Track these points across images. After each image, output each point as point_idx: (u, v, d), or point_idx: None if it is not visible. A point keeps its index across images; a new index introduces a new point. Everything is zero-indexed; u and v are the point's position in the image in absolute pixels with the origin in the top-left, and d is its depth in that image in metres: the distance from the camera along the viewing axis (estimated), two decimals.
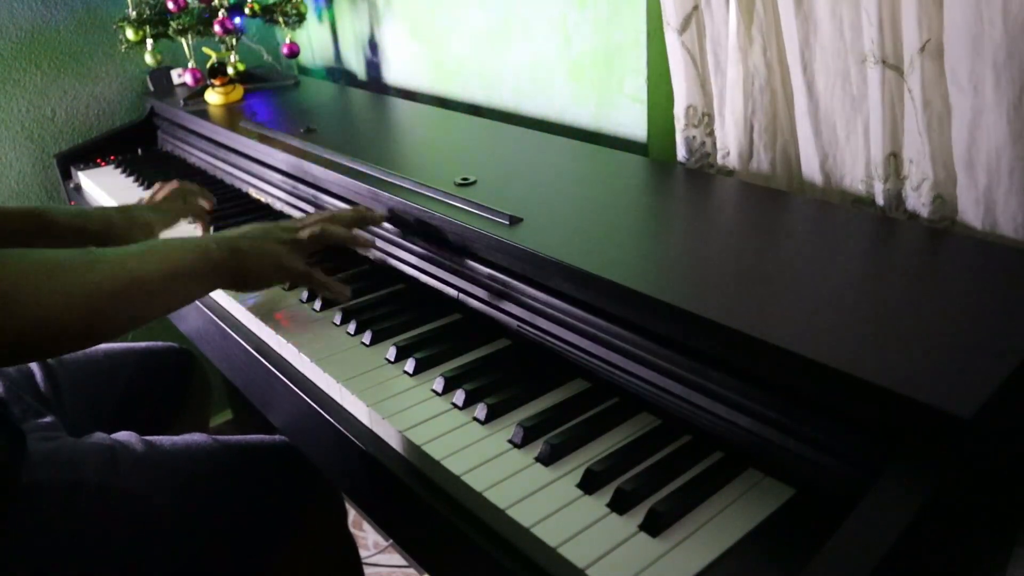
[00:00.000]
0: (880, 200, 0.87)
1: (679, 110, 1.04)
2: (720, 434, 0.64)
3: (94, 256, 0.73)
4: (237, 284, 0.84)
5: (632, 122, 1.14)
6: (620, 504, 0.59)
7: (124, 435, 0.92)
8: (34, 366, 1.05)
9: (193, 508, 0.88)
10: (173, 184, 1.16)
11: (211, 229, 1.16)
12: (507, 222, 0.84)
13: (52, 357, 1.02)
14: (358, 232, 0.94)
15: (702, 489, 0.60)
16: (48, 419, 0.95)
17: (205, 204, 1.17)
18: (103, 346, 1.16)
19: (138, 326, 0.77)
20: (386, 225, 0.99)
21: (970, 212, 0.80)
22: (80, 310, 0.69)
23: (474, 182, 0.96)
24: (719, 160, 1.04)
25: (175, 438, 0.94)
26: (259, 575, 0.92)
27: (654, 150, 1.14)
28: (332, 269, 1.01)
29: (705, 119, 1.03)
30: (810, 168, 0.95)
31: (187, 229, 1.22)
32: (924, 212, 0.83)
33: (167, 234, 1.12)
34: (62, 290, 0.68)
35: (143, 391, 1.15)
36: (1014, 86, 0.74)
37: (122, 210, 1.09)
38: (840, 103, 0.90)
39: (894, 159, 0.85)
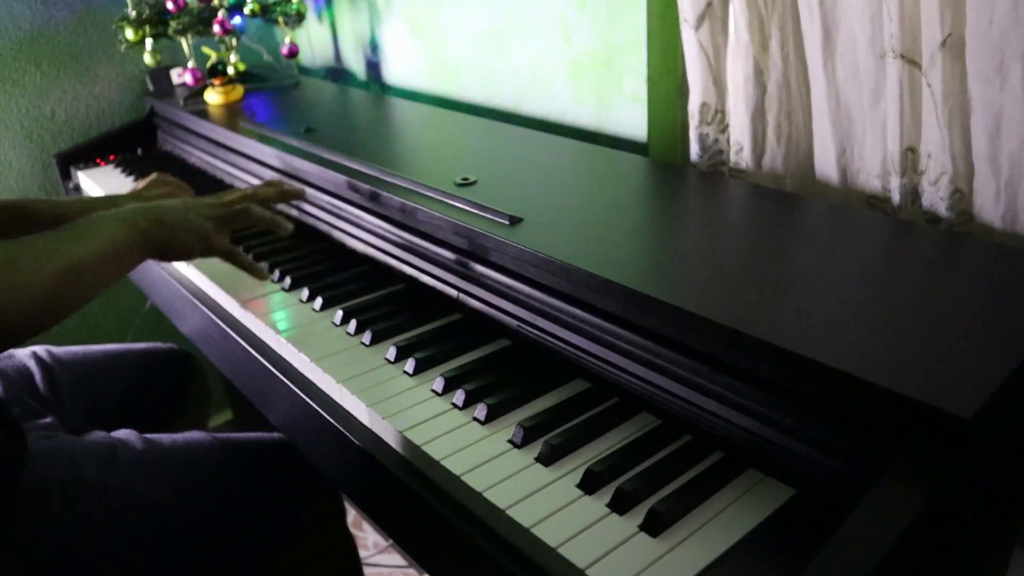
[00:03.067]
0: (896, 196, 0.87)
1: (693, 107, 1.04)
2: (720, 434, 0.64)
3: (41, 245, 0.73)
4: (164, 255, 0.86)
5: (632, 122, 1.14)
6: (620, 504, 0.59)
7: (123, 433, 0.92)
8: (33, 366, 1.05)
9: (192, 505, 0.88)
10: (153, 175, 1.18)
11: None
12: (507, 222, 0.84)
13: (9, 348, 0.98)
14: (277, 218, 0.95)
15: (702, 489, 0.60)
16: (47, 420, 0.95)
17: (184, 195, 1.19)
18: (102, 347, 1.16)
19: (76, 309, 0.76)
20: (386, 225, 0.99)
21: (989, 206, 0.80)
22: (36, 299, 0.70)
23: (474, 182, 0.96)
24: (732, 156, 1.04)
25: (175, 436, 0.94)
26: (258, 573, 0.92)
27: (654, 150, 1.14)
28: (332, 269, 1.01)
29: (718, 116, 1.03)
30: (825, 164, 0.95)
31: None
32: (942, 207, 0.83)
33: None
34: (22, 283, 0.69)
35: (142, 392, 1.15)
36: None
37: (104, 199, 1.10)
38: (859, 98, 0.90)
39: (911, 153, 0.85)
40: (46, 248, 0.73)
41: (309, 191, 1.14)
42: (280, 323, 0.90)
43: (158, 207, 0.86)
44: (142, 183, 1.18)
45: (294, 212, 1.17)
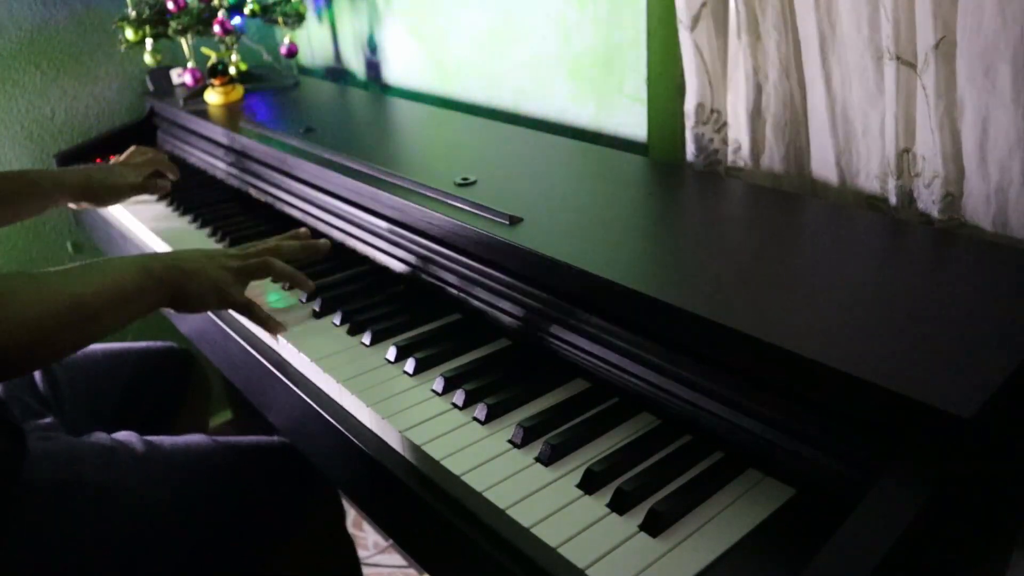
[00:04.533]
0: (893, 197, 0.87)
1: (689, 107, 1.04)
2: (720, 434, 0.64)
3: (43, 280, 0.72)
4: (176, 304, 0.83)
5: (632, 122, 1.14)
6: (620, 504, 0.59)
7: (124, 435, 0.92)
8: None
9: (192, 508, 0.88)
10: (131, 148, 1.29)
11: (185, 221, 1.24)
12: (507, 222, 0.84)
13: (4, 380, 0.98)
14: (299, 274, 0.92)
15: (702, 489, 0.60)
16: (47, 420, 0.95)
17: (166, 164, 1.28)
18: (102, 346, 1.16)
19: (88, 344, 0.75)
20: (386, 225, 0.99)
21: (980, 211, 0.80)
22: (26, 337, 0.67)
23: (474, 182, 0.96)
24: (730, 155, 1.04)
25: (175, 438, 0.94)
26: (258, 575, 0.92)
27: (654, 150, 1.14)
28: (331, 270, 1.01)
29: (715, 116, 1.03)
30: (823, 164, 0.95)
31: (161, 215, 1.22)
32: (934, 210, 0.83)
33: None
34: (20, 317, 0.67)
35: (142, 391, 1.15)
36: (1021, 86, 0.74)
37: (96, 165, 1.18)
38: (858, 98, 0.89)
39: (907, 155, 0.85)
40: (50, 283, 0.72)
41: (309, 191, 1.14)
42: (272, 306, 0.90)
43: (176, 254, 0.85)
44: (123, 155, 1.28)
45: (295, 212, 1.18)
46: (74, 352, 0.76)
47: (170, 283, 0.81)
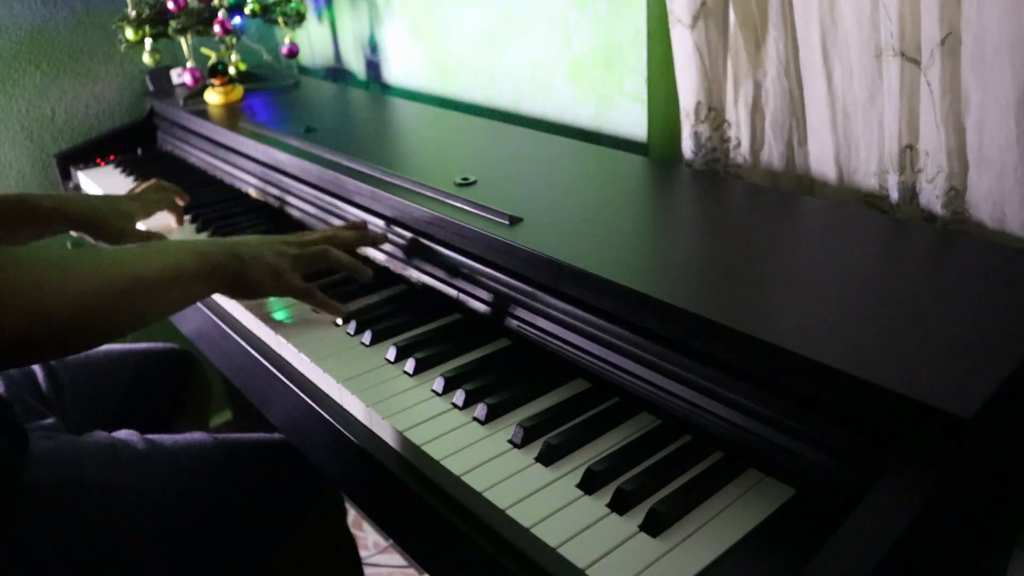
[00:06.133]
0: (894, 194, 0.87)
1: (687, 106, 1.04)
2: (720, 434, 0.64)
3: (102, 256, 0.73)
4: (234, 290, 0.85)
5: (632, 122, 1.14)
6: (620, 504, 0.59)
7: (125, 433, 0.92)
8: (36, 367, 1.05)
9: (193, 506, 0.88)
10: (151, 181, 1.23)
11: (185, 222, 1.24)
12: (507, 222, 0.84)
13: (57, 357, 1.01)
14: (357, 263, 0.92)
15: (702, 489, 0.60)
16: (49, 420, 0.95)
17: (179, 201, 1.23)
18: (103, 347, 1.16)
19: (141, 326, 0.77)
20: (386, 225, 0.99)
21: (982, 207, 0.81)
22: (90, 309, 0.69)
23: (474, 182, 0.96)
24: (730, 152, 1.04)
25: (176, 436, 0.94)
26: (258, 574, 0.92)
27: (654, 150, 1.14)
28: (331, 269, 1.01)
29: (712, 114, 1.03)
30: (821, 162, 0.95)
31: (165, 225, 1.22)
32: (937, 206, 0.84)
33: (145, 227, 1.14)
34: (76, 289, 0.68)
35: (143, 392, 1.15)
36: (1018, 83, 0.74)
37: (105, 198, 1.13)
38: (857, 96, 0.90)
39: (910, 151, 0.85)
40: (107, 258, 0.73)
41: (309, 191, 1.14)
42: (280, 323, 0.90)
43: (234, 241, 0.85)
44: (141, 186, 1.23)
45: (295, 213, 1.18)
46: (129, 332, 0.76)
47: (228, 269, 0.82)
